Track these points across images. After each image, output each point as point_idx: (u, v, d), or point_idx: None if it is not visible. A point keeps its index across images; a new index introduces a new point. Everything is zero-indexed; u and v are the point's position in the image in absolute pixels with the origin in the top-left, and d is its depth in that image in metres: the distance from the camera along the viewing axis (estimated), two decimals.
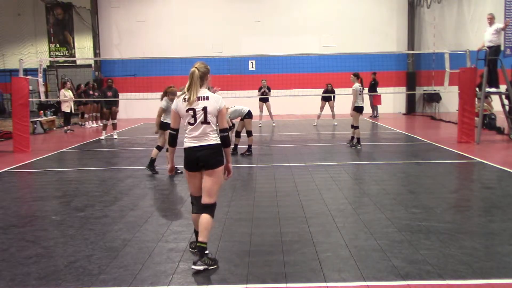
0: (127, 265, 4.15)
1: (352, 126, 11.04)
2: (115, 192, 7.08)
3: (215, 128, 4.12)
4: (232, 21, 21.04)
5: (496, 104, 13.78)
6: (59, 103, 17.60)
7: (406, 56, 21.46)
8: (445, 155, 9.91)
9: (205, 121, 4.04)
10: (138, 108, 20.21)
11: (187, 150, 4.12)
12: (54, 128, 17.08)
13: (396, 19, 21.38)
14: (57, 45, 21.80)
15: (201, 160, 4.06)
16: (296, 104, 19.23)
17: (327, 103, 16.11)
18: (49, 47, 21.77)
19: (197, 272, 3.95)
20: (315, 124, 16.28)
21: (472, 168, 8.75)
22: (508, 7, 12.11)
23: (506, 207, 5.84)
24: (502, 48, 12.01)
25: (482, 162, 8.91)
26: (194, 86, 4.05)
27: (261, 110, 16.08)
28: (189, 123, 4.07)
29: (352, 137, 11.08)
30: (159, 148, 8.49)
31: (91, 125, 17.94)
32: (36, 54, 21.27)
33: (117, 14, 21.50)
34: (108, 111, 13.87)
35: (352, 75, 11.07)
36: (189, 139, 4.10)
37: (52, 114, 18.01)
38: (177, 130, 4.19)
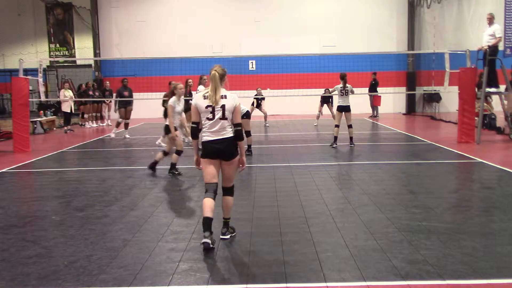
0: (127, 265, 4.15)
1: (349, 126, 11.05)
2: (115, 192, 7.08)
3: (230, 123, 4.65)
4: (232, 21, 21.02)
5: (496, 104, 13.77)
6: (59, 103, 17.60)
7: (406, 56, 21.43)
8: (445, 155, 9.91)
9: (223, 117, 4.59)
10: (138, 108, 19.98)
11: (206, 143, 4.64)
12: (54, 128, 17.08)
13: (396, 19, 21.36)
14: (57, 45, 21.80)
15: (220, 151, 4.62)
16: (296, 104, 19.20)
17: (325, 105, 16.15)
18: (49, 47, 21.77)
19: (207, 250, 4.38)
20: (315, 124, 16.28)
21: (472, 168, 8.75)
22: (508, 7, 12.13)
23: (506, 207, 5.84)
24: (501, 48, 12.00)
25: (482, 162, 8.91)
26: (217, 88, 4.57)
27: (251, 110, 16.02)
28: (208, 119, 4.59)
29: (351, 137, 11.07)
30: (179, 152, 8.19)
31: (91, 125, 17.96)
32: (36, 54, 21.26)
33: (117, 14, 21.49)
34: (123, 110, 14.02)
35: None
36: (207, 133, 4.62)
37: (52, 114, 18.01)
38: (197, 123, 4.68)
